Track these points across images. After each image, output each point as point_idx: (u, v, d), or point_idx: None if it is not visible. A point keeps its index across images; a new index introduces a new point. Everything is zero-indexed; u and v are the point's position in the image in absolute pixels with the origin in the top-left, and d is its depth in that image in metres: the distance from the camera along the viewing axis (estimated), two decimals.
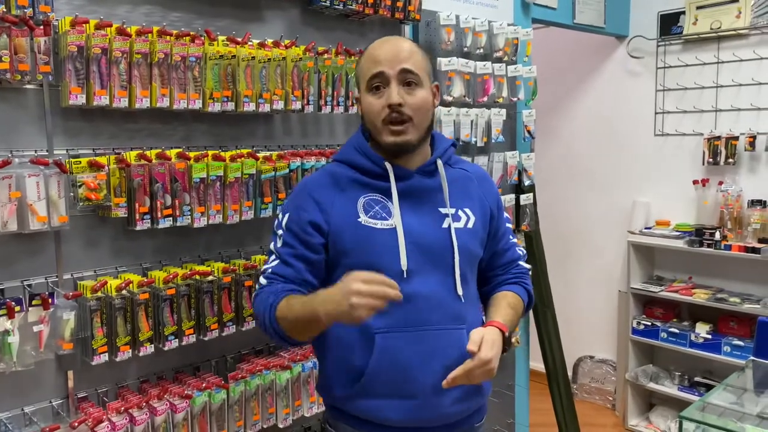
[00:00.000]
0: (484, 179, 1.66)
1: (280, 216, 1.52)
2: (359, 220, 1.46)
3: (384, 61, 1.44)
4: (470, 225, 1.54)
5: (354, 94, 1.57)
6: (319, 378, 1.60)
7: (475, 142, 2.74)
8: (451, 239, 1.49)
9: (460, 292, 1.49)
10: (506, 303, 1.55)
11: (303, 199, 1.50)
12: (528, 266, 1.69)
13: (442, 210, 1.52)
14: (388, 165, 1.49)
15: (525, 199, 3.05)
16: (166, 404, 1.81)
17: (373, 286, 1.24)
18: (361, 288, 1.23)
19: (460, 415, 1.52)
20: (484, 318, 1.60)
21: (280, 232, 1.50)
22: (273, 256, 1.50)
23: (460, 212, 1.54)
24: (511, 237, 1.68)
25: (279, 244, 1.50)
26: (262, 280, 1.49)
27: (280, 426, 2.06)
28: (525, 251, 1.70)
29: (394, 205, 1.47)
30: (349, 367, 1.47)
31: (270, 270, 1.48)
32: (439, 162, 1.54)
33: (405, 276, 1.43)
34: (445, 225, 1.50)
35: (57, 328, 1.65)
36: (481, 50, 2.78)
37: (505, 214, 1.68)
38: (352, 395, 1.47)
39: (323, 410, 2.12)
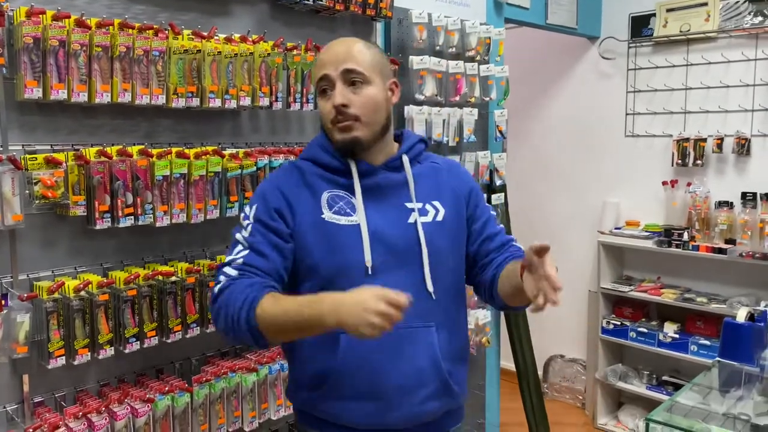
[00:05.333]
0: (455, 169, 1.64)
1: (248, 209, 1.49)
2: (323, 216, 1.45)
3: (328, 63, 1.45)
4: (439, 218, 1.52)
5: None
6: (288, 381, 1.58)
7: (447, 141, 2.73)
8: (418, 234, 1.47)
9: (430, 288, 1.47)
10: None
11: (270, 190, 1.49)
12: (523, 247, 1.59)
13: (409, 205, 1.50)
14: (351, 162, 1.49)
15: (496, 199, 3.05)
16: (127, 408, 1.75)
17: (392, 309, 1.18)
18: (387, 310, 1.17)
19: (430, 415, 1.49)
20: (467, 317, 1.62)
21: (246, 223, 1.46)
22: (240, 247, 1.43)
23: (427, 206, 1.52)
24: (497, 223, 1.64)
25: (247, 234, 1.43)
26: (231, 271, 1.39)
27: (246, 429, 2.02)
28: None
29: (358, 201, 1.46)
30: (315, 369, 1.46)
31: (241, 260, 1.40)
32: (405, 157, 1.53)
33: (369, 273, 1.41)
34: (411, 220, 1.49)
35: (11, 330, 1.59)
36: (454, 49, 2.77)
37: (488, 204, 1.66)
38: (318, 397, 1.46)
39: (291, 413, 2.11)
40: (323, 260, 1.43)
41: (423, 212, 1.51)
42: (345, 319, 1.20)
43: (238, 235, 1.46)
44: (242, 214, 1.50)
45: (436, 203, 1.53)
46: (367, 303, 1.19)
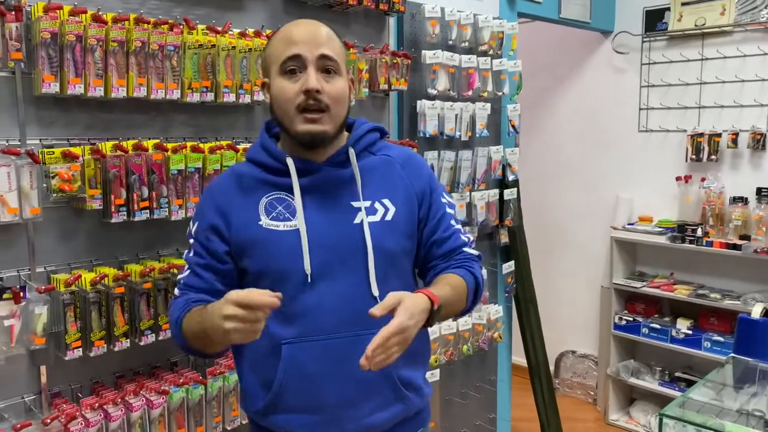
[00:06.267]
0: (410, 162, 1.48)
1: (191, 225, 1.46)
2: (260, 223, 1.36)
3: (301, 43, 1.32)
4: (388, 217, 1.40)
5: (260, 81, 1.45)
6: (240, 390, 1.52)
7: (460, 136, 2.73)
8: (364, 236, 1.36)
9: (375, 293, 1.35)
10: (444, 281, 1.39)
11: (206, 204, 1.44)
12: (475, 252, 1.51)
13: (355, 204, 1.38)
14: (289, 159, 1.38)
15: (509, 194, 3.04)
16: (143, 400, 1.77)
17: (246, 312, 1.14)
18: (235, 313, 1.14)
19: (381, 427, 1.40)
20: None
21: (191, 241, 1.44)
22: (185, 267, 1.44)
23: (376, 204, 1.40)
24: (453, 223, 1.49)
25: (191, 254, 1.43)
26: (176, 291, 1.44)
27: None
28: (470, 238, 1.53)
29: (297, 204, 1.36)
30: (261, 380, 1.39)
31: (182, 281, 1.43)
32: (351, 150, 1.41)
33: (309, 281, 1.33)
34: (357, 220, 1.37)
35: (29, 322, 1.61)
36: (466, 43, 2.76)
37: (445, 199, 1.51)
38: (265, 409, 1.39)
39: None
40: (263, 269, 1.36)
41: (371, 211, 1.38)
42: (212, 332, 1.21)
43: (186, 255, 1.46)
44: (188, 230, 1.47)
45: (386, 201, 1.41)
46: (221, 309, 1.17)
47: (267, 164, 1.41)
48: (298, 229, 1.35)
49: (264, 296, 1.15)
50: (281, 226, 1.36)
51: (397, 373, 1.39)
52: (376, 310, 1.19)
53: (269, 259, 1.35)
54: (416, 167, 1.48)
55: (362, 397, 1.37)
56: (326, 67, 1.33)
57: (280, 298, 1.16)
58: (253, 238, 1.36)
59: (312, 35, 1.33)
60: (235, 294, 1.16)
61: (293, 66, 1.32)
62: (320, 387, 1.35)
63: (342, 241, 1.36)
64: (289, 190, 1.38)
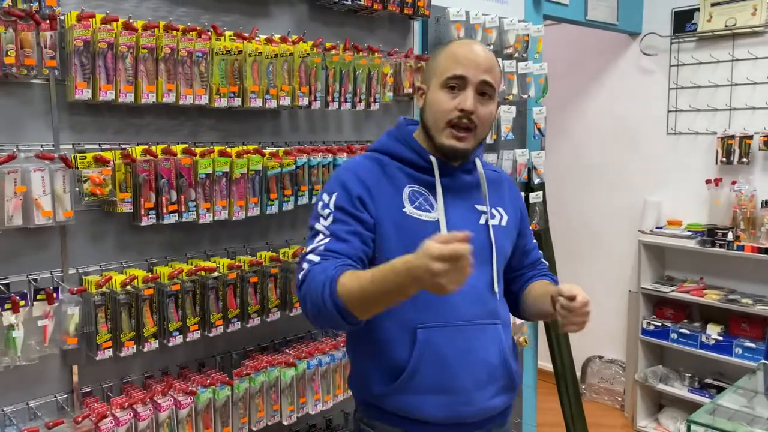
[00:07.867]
0: (511, 182, 1.73)
1: (326, 197, 1.46)
2: (404, 210, 1.47)
3: (468, 66, 1.45)
4: (504, 223, 1.59)
5: (416, 84, 1.62)
6: (352, 375, 1.60)
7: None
8: (489, 235, 1.54)
9: (496, 288, 1.53)
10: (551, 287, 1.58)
11: (350, 179, 1.47)
12: (546, 263, 1.78)
13: (479, 207, 1.56)
14: (433, 159, 1.52)
15: (535, 197, 3.03)
16: (171, 400, 1.80)
17: (454, 263, 1.10)
18: (445, 267, 1.10)
19: (497, 409, 1.54)
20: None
21: (327, 212, 1.43)
22: (321, 236, 1.41)
23: (494, 210, 1.59)
24: (532, 237, 1.75)
25: (328, 223, 1.42)
26: (314, 257, 1.37)
27: (285, 423, 2.05)
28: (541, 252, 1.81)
29: (438, 199, 1.50)
30: (389, 363, 1.47)
31: (323, 247, 1.38)
32: (478, 161, 1.59)
33: None
34: (482, 221, 1.55)
35: (62, 322, 1.65)
36: (492, 47, 2.75)
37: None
38: (391, 392, 1.46)
39: (328, 408, 2.14)
40: (404, 254, 1.32)
41: (491, 216, 1.57)
42: (416, 274, 1.14)
43: (317, 225, 1.44)
44: (319, 203, 1.47)
45: (500, 209, 1.61)
46: (428, 249, 1.11)
47: (409, 159, 1.53)
48: (437, 221, 1.48)
49: (462, 243, 1.11)
50: (423, 216, 1.48)
51: (511, 362, 1.54)
52: (567, 291, 1.39)
53: (411, 245, 1.31)
54: (516, 188, 1.74)
55: (487, 381, 1.49)
56: (484, 91, 1.47)
57: (468, 237, 1.13)
58: (397, 221, 1.46)
59: (478, 60, 1.47)
60: (437, 250, 1.10)
61: (455, 83, 1.46)
62: (452, 370, 1.45)
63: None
64: (427, 185, 1.52)
